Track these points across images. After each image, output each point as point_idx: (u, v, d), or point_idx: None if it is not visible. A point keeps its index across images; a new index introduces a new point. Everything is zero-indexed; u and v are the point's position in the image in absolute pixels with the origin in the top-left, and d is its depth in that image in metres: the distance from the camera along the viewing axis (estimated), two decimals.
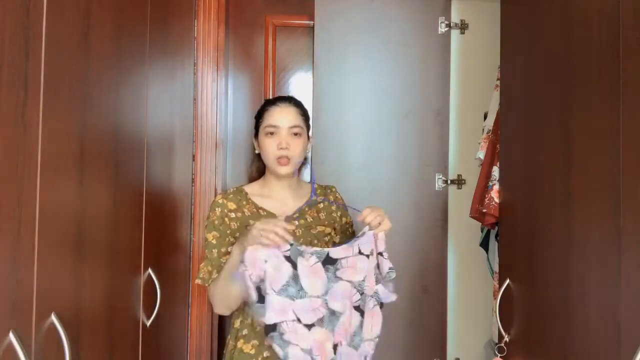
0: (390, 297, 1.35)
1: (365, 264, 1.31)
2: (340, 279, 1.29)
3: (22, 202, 0.79)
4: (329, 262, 1.29)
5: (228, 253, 1.38)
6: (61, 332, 0.87)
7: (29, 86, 0.81)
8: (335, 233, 1.52)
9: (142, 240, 1.36)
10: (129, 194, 1.28)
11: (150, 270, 1.41)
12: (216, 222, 1.40)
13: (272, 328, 1.24)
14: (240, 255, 1.26)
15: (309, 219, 1.47)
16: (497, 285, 1.66)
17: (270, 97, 1.63)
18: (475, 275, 2.12)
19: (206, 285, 1.38)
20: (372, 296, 1.32)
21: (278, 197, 1.48)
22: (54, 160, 0.88)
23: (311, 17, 2.10)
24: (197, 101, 1.94)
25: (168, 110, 1.63)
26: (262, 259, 1.22)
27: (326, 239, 1.48)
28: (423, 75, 2.05)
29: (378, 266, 1.34)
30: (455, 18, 2.11)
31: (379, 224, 1.31)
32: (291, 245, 1.26)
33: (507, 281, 1.48)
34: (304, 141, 1.47)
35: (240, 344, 1.39)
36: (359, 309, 1.32)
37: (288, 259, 1.26)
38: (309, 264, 1.27)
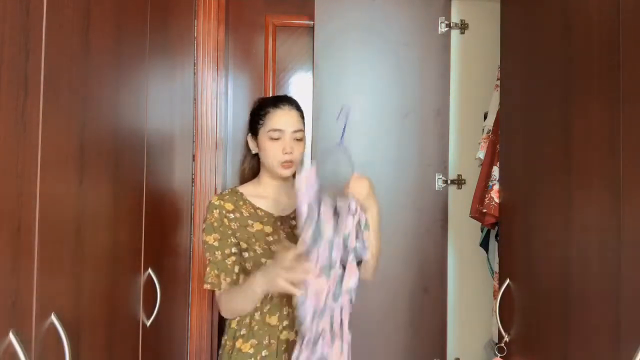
0: (365, 252, 1.35)
1: (351, 220, 1.32)
2: (337, 232, 1.32)
3: (22, 202, 0.79)
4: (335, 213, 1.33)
5: (232, 254, 1.37)
6: (61, 332, 0.87)
7: (29, 86, 0.81)
8: None
9: (142, 240, 1.36)
10: (128, 193, 1.28)
11: (150, 270, 1.41)
12: (215, 224, 1.39)
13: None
14: (262, 290, 1.27)
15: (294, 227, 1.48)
16: (497, 285, 1.66)
17: (269, 96, 1.61)
18: (475, 275, 2.12)
19: (217, 290, 1.36)
20: (352, 250, 1.33)
21: (273, 196, 1.48)
22: (54, 160, 0.88)
23: (311, 17, 2.10)
24: (197, 101, 1.94)
25: (168, 110, 1.63)
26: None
27: None
28: (423, 75, 2.05)
29: (359, 223, 1.35)
30: (455, 18, 2.11)
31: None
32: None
33: (507, 281, 1.48)
34: (304, 143, 1.48)
35: (238, 343, 1.39)
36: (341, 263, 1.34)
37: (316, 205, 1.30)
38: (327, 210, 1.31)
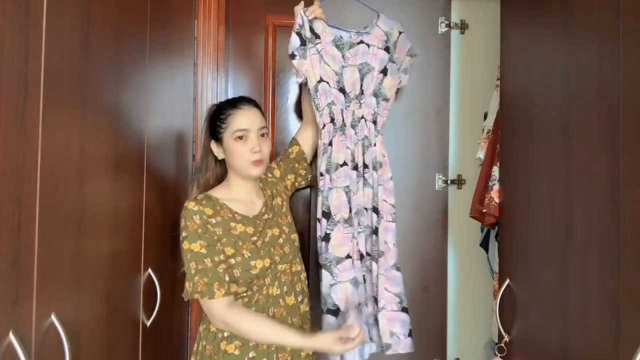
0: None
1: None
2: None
3: (22, 202, 0.79)
4: None
5: (222, 262, 1.33)
6: (61, 332, 0.88)
7: (29, 86, 0.81)
8: (285, 199, 1.60)
9: (142, 240, 1.36)
10: (129, 193, 1.28)
11: (150, 271, 1.41)
12: (199, 230, 1.34)
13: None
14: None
15: (270, 215, 1.51)
16: (497, 285, 1.66)
17: (225, 100, 1.55)
18: (475, 275, 2.12)
19: (207, 298, 1.30)
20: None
21: (245, 199, 1.48)
22: (54, 160, 0.88)
23: None
24: (197, 101, 1.94)
25: (168, 110, 1.63)
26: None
27: (289, 217, 1.57)
28: (423, 75, 2.05)
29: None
30: (455, 18, 2.10)
31: None
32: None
33: (507, 281, 1.48)
34: (270, 140, 1.50)
35: (223, 345, 1.36)
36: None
37: None
38: None
